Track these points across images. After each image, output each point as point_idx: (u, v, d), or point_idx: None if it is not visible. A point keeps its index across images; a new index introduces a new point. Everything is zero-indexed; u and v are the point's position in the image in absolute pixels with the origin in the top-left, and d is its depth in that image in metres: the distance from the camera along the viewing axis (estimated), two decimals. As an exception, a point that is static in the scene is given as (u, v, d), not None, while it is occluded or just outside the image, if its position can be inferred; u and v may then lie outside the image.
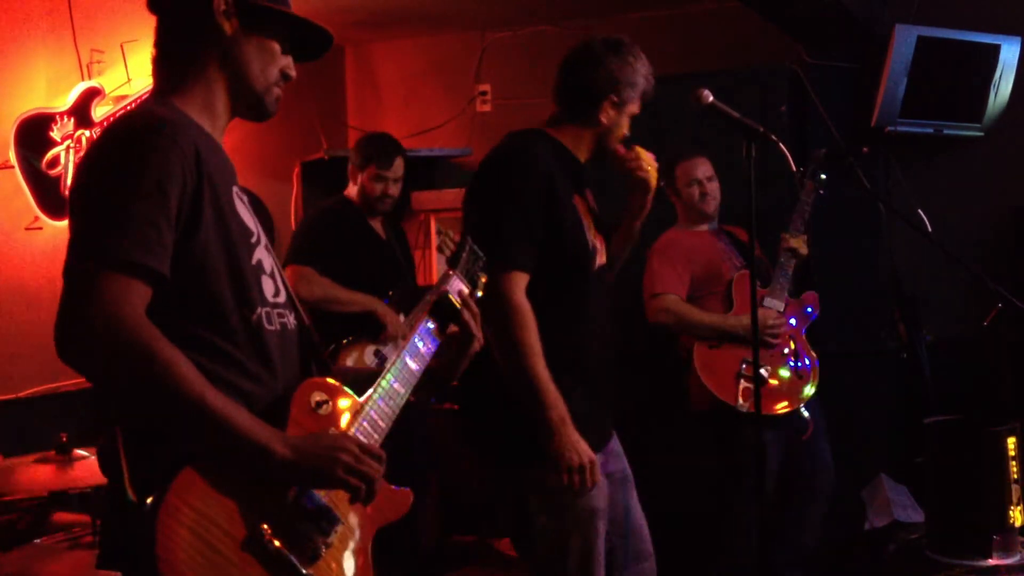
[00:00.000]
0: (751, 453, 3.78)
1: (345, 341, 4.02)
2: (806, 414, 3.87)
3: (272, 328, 1.79)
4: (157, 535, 1.55)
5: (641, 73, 2.72)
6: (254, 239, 1.79)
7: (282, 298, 1.84)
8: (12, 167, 4.10)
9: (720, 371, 3.80)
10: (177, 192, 1.64)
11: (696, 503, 4.04)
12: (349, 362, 4.03)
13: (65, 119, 4.24)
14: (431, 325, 1.99)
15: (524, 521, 2.64)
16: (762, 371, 3.74)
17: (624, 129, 2.76)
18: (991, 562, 3.57)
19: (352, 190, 4.21)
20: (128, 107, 4.44)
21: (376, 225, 4.22)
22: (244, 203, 1.81)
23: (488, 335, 2.49)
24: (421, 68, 5.88)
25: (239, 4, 1.79)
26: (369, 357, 4.05)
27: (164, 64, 1.84)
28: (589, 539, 2.59)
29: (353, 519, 1.81)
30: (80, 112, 4.29)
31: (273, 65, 1.85)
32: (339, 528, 1.76)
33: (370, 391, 1.87)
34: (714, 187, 4.02)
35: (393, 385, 1.90)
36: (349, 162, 4.24)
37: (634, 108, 2.76)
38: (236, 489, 1.64)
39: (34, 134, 4.15)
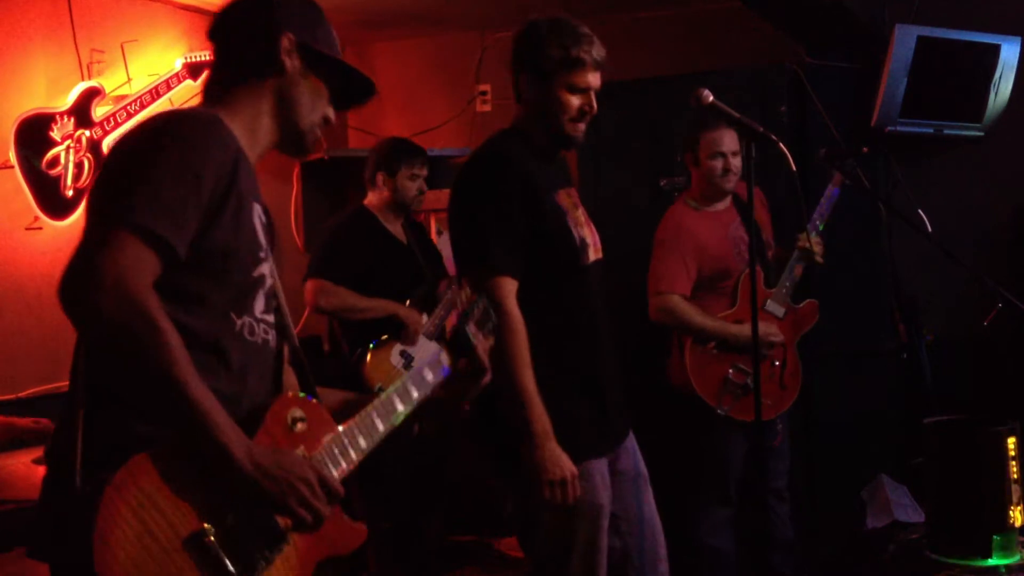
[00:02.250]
0: (714, 458, 3.83)
1: (372, 345, 4.08)
2: (779, 425, 3.89)
3: (253, 339, 1.80)
4: (99, 508, 1.54)
5: (555, 43, 2.59)
6: (262, 254, 1.82)
7: (270, 317, 1.86)
8: (12, 167, 4.09)
9: (708, 373, 3.80)
10: (211, 185, 1.68)
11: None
12: (376, 363, 4.07)
13: (65, 119, 4.24)
14: (443, 356, 2.02)
15: (529, 518, 2.64)
16: (748, 381, 3.74)
17: (569, 103, 2.61)
18: (991, 562, 3.56)
19: (372, 198, 4.27)
20: (128, 107, 4.44)
21: (397, 229, 4.28)
22: (262, 221, 1.83)
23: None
24: (421, 68, 5.88)
25: (302, 46, 1.88)
26: (396, 358, 4.12)
27: (218, 84, 1.90)
28: (593, 536, 2.60)
29: (300, 543, 1.78)
30: (80, 112, 4.28)
31: (320, 107, 1.93)
32: (284, 548, 1.74)
33: (351, 420, 1.87)
34: (738, 163, 3.81)
35: (373, 418, 1.90)
36: (369, 170, 4.27)
37: (568, 80, 2.60)
38: (190, 482, 1.63)
39: (34, 134, 4.15)
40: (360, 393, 2.07)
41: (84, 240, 1.61)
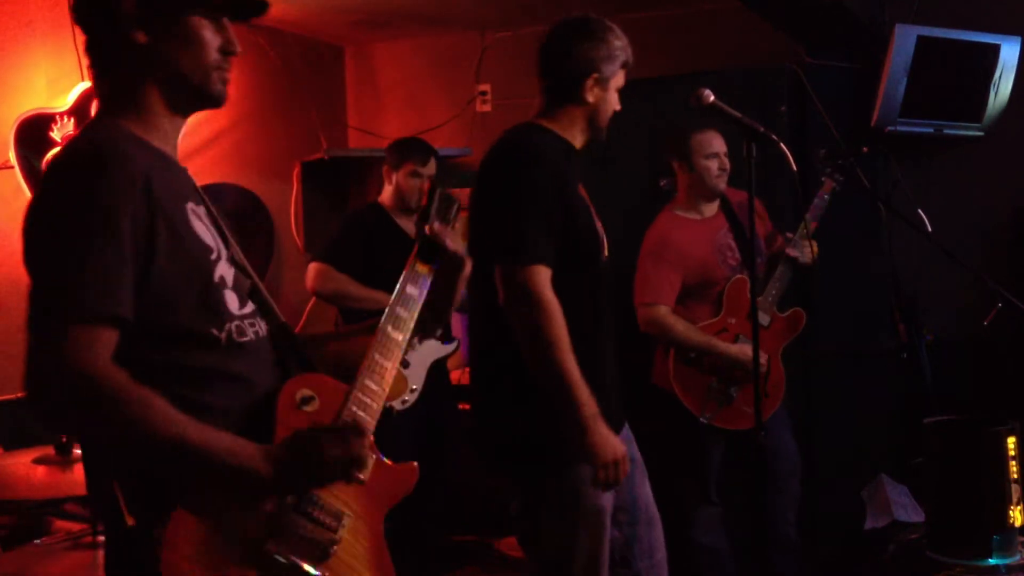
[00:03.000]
0: (693, 459, 3.82)
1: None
2: (763, 433, 3.85)
3: (245, 339, 1.78)
4: (167, 553, 1.57)
5: (616, 45, 2.69)
6: (214, 255, 1.75)
7: (248, 308, 1.82)
8: (12, 167, 4.10)
9: (692, 383, 3.80)
10: (129, 223, 1.60)
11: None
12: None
13: (65, 119, 4.24)
14: (418, 268, 1.99)
15: (531, 519, 2.64)
16: (732, 390, 3.78)
17: (614, 104, 2.73)
18: (991, 562, 3.56)
19: (385, 194, 4.31)
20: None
21: (408, 225, 4.27)
22: (201, 217, 1.77)
23: (516, 333, 2.49)
24: (421, 68, 5.88)
25: (143, 11, 1.73)
26: None
27: (98, 84, 1.81)
28: (596, 538, 2.59)
29: (358, 506, 1.81)
30: (80, 112, 4.29)
31: (204, 52, 1.76)
32: (346, 521, 1.77)
33: (359, 371, 1.87)
34: (727, 163, 3.86)
35: (376, 359, 1.90)
36: (385, 164, 4.32)
37: (619, 81, 2.73)
38: (233, 514, 1.65)
39: (34, 134, 4.15)
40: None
41: (33, 342, 1.57)
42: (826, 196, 3.93)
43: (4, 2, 4.21)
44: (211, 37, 1.77)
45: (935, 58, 4.39)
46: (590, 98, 2.68)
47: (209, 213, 1.81)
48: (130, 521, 1.64)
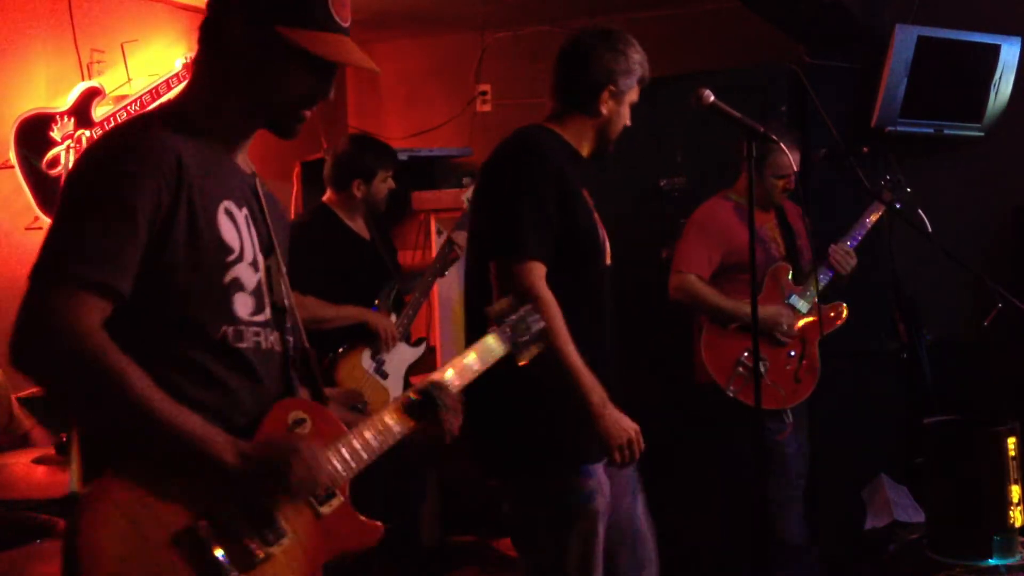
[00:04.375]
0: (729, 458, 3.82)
1: (341, 350, 3.98)
2: (789, 418, 3.87)
3: (244, 346, 1.77)
4: (84, 511, 1.58)
5: (635, 60, 2.71)
6: (232, 257, 1.76)
7: (263, 317, 1.82)
8: (12, 167, 4.10)
9: (722, 353, 3.83)
10: (148, 210, 1.64)
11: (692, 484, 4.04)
12: (347, 370, 4.01)
13: (65, 119, 4.24)
14: (394, 421, 1.90)
15: (524, 521, 2.64)
16: (761, 365, 3.74)
17: (626, 119, 2.76)
18: (991, 562, 3.56)
19: (333, 196, 4.12)
20: (128, 107, 4.44)
21: (358, 225, 4.15)
22: (234, 218, 1.78)
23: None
24: (421, 68, 5.88)
25: (259, 30, 1.76)
26: (367, 362, 4.04)
27: (193, 72, 1.85)
28: (589, 542, 2.59)
29: (304, 537, 1.77)
30: (80, 112, 4.29)
31: (295, 90, 1.79)
32: (284, 542, 1.72)
33: (360, 424, 1.86)
34: (793, 182, 3.89)
35: (383, 417, 1.88)
36: (336, 173, 4.11)
37: (633, 96, 2.75)
38: (180, 481, 1.64)
39: (34, 134, 4.15)
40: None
41: (24, 300, 1.61)
42: (875, 215, 3.99)
43: (4, 2, 4.22)
44: (305, 77, 1.79)
45: (935, 58, 4.39)
46: (604, 110, 2.70)
47: (255, 218, 1.84)
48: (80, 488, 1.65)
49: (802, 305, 3.88)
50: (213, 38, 1.80)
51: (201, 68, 1.83)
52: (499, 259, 2.55)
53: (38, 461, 3.06)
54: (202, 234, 1.71)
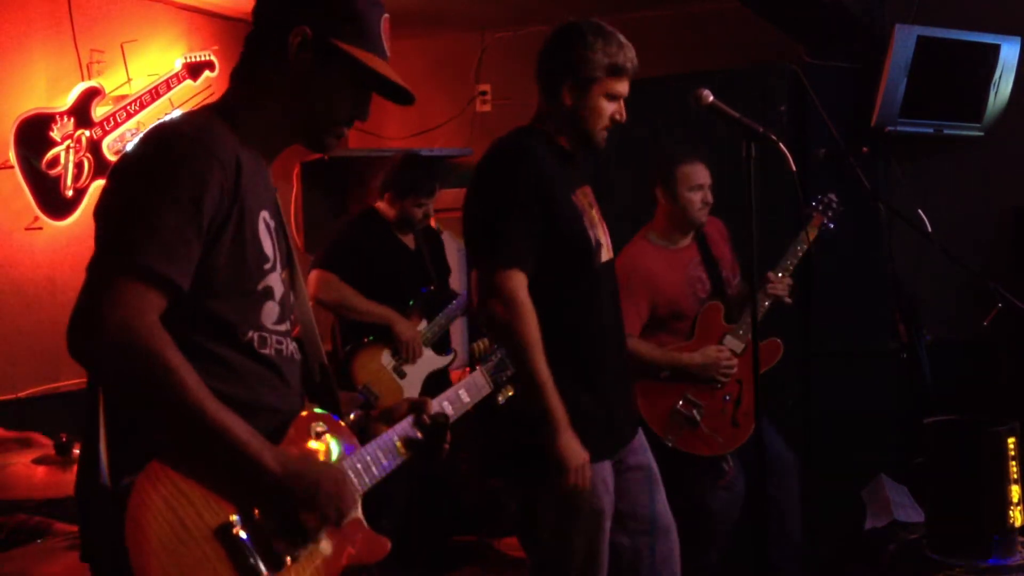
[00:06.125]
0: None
1: (366, 340, 4.09)
2: (729, 463, 3.76)
3: (265, 351, 1.81)
4: (132, 496, 1.60)
5: (602, 50, 2.63)
6: (268, 265, 1.81)
7: (284, 327, 1.87)
8: (12, 167, 4.10)
9: (657, 403, 3.70)
10: (211, 211, 1.67)
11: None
12: (363, 361, 4.07)
13: (65, 119, 4.24)
14: (398, 445, 2.01)
15: (530, 520, 2.65)
16: (695, 412, 3.67)
17: (606, 111, 2.67)
18: (991, 562, 3.56)
19: (384, 206, 4.28)
20: (128, 107, 4.45)
21: (405, 236, 4.29)
22: (269, 228, 1.82)
23: (493, 336, 2.52)
24: (421, 68, 5.88)
25: (318, 41, 1.79)
26: (386, 359, 4.13)
27: (235, 78, 1.87)
28: (594, 540, 2.60)
29: (326, 546, 1.83)
30: (80, 112, 4.29)
31: (340, 106, 1.85)
32: (309, 547, 1.78)
33: (373, 441, 1.96)
34: (711, 196, 3.78)
35: (394, 439, 1.98)
36: (384, 182, 4.27)
37: (612, 87, 2.66)
38: (221, 479, 1.68)
39: (34, 134, 4.15)
40: (345, 390, 2.12)
41: (87, 283, 1.62)
42: (809, 238, 3.81)
43: (4, 2, 4.22)
44: (349, 97, 1.85)
45: (935, 58, 4.39)
46: (567, 100, 2.66)
47: (278, 231, 1.87)
48: (108, 481, 1.66)
49: (736, 345, 3.73)
50: (263, 48, 1.83)
51: (245, 78, 1.85)
52: (479, 269, 2.58)
53: (38, 461, 3.05)
54: (247, 239, 1.75)
